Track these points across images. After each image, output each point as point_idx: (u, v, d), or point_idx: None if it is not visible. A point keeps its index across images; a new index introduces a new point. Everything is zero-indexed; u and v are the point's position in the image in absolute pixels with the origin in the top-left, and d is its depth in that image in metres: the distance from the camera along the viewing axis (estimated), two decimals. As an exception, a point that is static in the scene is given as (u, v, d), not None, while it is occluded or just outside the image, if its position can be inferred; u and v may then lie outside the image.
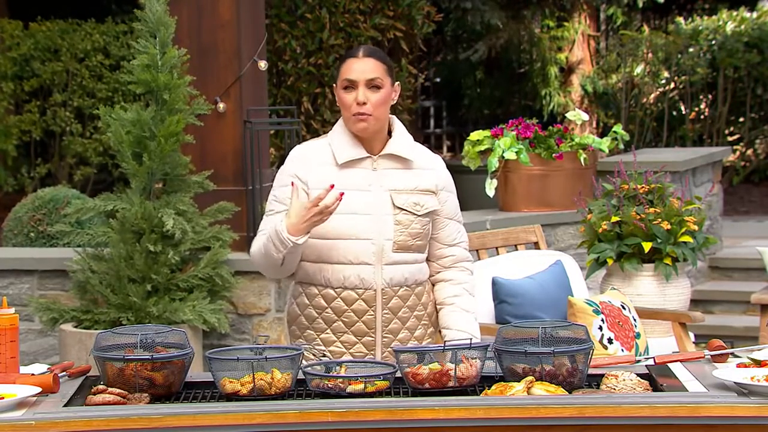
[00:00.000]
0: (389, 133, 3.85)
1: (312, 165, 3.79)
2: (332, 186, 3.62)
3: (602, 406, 3.16)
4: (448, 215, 3.90)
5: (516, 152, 7.64)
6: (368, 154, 3.80)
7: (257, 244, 3.78)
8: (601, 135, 13.05)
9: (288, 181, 3.78)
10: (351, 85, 3.76)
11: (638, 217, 6.10)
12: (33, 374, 3.42)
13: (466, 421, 3.15)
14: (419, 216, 3.80)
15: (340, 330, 3.80)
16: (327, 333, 3.81)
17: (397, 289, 3.79)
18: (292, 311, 3.89)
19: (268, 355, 3.35)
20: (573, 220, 7.49)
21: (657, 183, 6.33)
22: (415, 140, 3.95)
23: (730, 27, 12.75)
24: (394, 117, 3.88)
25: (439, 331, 3.93)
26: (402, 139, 3.84)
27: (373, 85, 3.75)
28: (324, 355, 3.75)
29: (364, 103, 3.74)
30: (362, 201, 3.76)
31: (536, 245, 5.75)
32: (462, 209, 4.01)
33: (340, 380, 3.29)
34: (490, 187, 7.72)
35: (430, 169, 3.87)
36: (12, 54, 10.13)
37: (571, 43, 14.89)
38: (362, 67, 3.76)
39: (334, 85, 3.84)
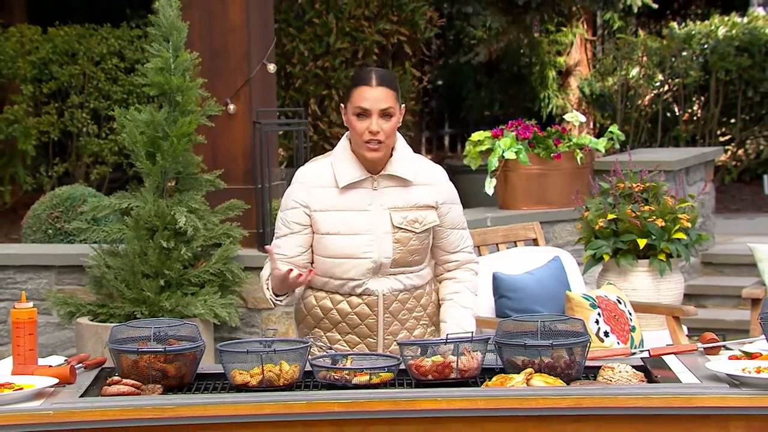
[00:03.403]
0: (391, 150, 3.82)
1: (314, 189, 3.79)
2: (310, 271, 3.68)
3: (599, 397, 3.16)
4: (450, 225, 3.88)
5: (516, 152, 7.62)
6: (369, 175, 3.78)
7: (264, 277, 3.84)
8: (598, 135, 13.02)
9: (293, 205, 3.82)
10: (364, 113, 3.72)
11: (633, 214, 6.09)
12: (51, 366, 3.42)
13: (467, 411, 3.15)
14: (418, 233, 3.79)
15: (344, 330, 3.84)
16: (332, 332, 3.85)
17: (398, 294, 3.82)
18: (299, 311, 3.93)
19: (276, 347, 3.35)
20: (571, 218, 7.47)
21: (652, 182, 6.32)
22: (417, 140, 3.94)
23: (722, 32, 12.72)
24: (396, 133, 3.85)
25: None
26: (403, 158, 3.80)
27: (385, 114, 3.72)
28: (330, 348, 3.75)
29: (378, 132, 3.71)
30: (362, 220, 3.76)
31: (535, 242, 5.74)
32: (463, 207, 3.99)
33: (346, 372, 3.29)
34: (489, 186, 7.71)
35: (430, 184, 3.84)
36: (31, 58, 10.13)
37: (569, 46, 14.87)
38: (376, 96, 3.70)
39: (342, 106, 3.79)
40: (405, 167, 3.79)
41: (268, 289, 3.77)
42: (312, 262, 3.84)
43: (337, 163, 3.79)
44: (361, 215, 3.76)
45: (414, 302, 3.85)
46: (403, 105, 3.83)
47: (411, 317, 3.85)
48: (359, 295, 3.78)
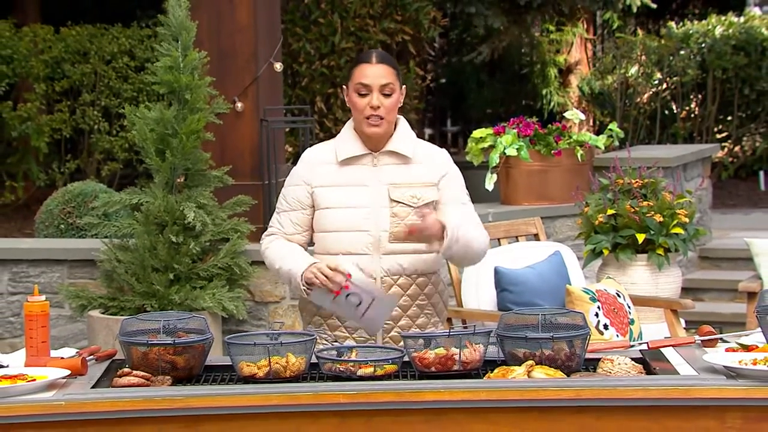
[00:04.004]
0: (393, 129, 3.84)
1: (316, 166, 3.82)
2: (349, 275, 3.62)
3: (598, 389, 3.16)
4: (452, 200, 3.85)
5: (517, 149, 7.62)
6: (369, 151, 3.80)
7: (271, 255, 3.83)
8: (598, 133, 13.01)
9: (296, 182, 3.85)
10: (365, 90, 3.74)
11: (632, 210, 6.08)
12: (63, 358, 3.42)
13: (469, 402, 3.15)
14: (416, 208, 3.78)
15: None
16: (333, 319, 3.83)
17: (396, 278, 3.78)
18: (302, 299, 3.90)
19: (283, 340, 3.34)
20: (571, 213, 7.47)
21: (650, 178, 6.31)
22: (420, 137, 3.94)
23: (718, 31, 12.70)
24: (401, 117, 3.87)
25: (449, 320, 3.91)
26: (404, 137, 3.82)
27: (385, 90, 3.74)
28: (335, 340, 3.74)
29: (378, 107, 3.72)
30: (360, 195, 3.77)
31: (536, 237, 5.73)
32: (465, 203, 3.96)
33: (351, 364, 3.29)
34: (489, 182, 7.71)
35: (430, 162, 3.84)
36: (44, 57, 10.13)
37: (570, 45, 14.86)
38: (376, 72, 3.74)
39: (344, 86, 3.82)
40: (405, 144, 3.81)
41: (302, 283, 3.70)
42: (313, 243, 3.85)
43: (340, 142, 3.84)
44: (360, 190, 3.77)
45: (416, 289, 3.81)
46: (404, 86, 3.84)
47: (413, 304, 3.82)
48: None
